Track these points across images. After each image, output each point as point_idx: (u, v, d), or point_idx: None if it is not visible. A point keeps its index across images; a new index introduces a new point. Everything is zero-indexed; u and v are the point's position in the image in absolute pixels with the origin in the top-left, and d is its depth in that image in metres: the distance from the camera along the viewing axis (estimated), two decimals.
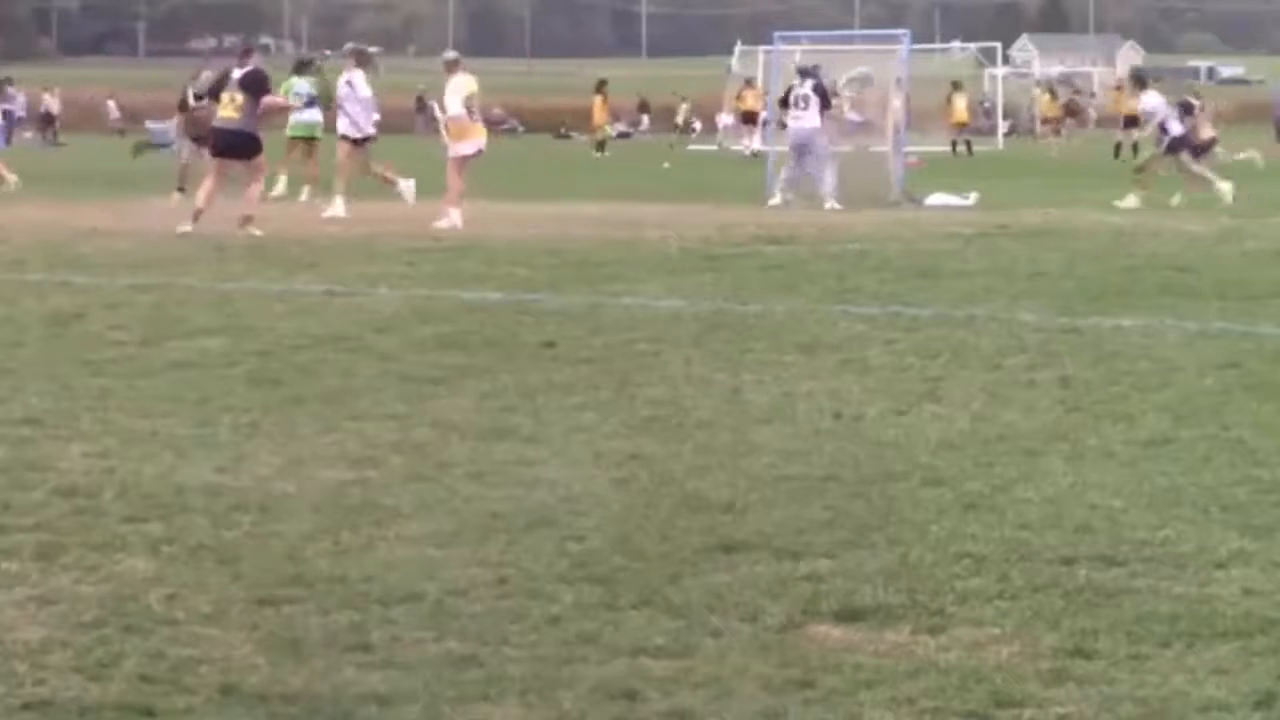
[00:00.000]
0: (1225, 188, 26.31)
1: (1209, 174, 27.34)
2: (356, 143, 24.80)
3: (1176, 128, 27.63)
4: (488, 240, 19.94)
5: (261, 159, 21.34)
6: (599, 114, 54.51)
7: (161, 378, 10.55)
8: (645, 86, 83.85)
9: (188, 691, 5.06)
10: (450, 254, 18.35)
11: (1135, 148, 49.29)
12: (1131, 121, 51.79)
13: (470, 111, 22.77)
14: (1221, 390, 10.12)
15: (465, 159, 22.78)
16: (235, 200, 20.90)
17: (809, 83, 27.42)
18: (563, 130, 76.64)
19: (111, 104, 74.32)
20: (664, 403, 9.74)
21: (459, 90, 22.99)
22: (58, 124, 63.60)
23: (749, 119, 50.60)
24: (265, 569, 6.31)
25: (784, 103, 27.82)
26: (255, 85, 21.22)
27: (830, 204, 26.15)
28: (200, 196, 21.24)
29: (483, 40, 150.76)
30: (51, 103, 64.35)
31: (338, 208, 23.54)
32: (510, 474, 7.90)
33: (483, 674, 5.22)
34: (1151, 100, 28.03)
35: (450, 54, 24.16)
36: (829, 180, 26.71)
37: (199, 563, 6.42)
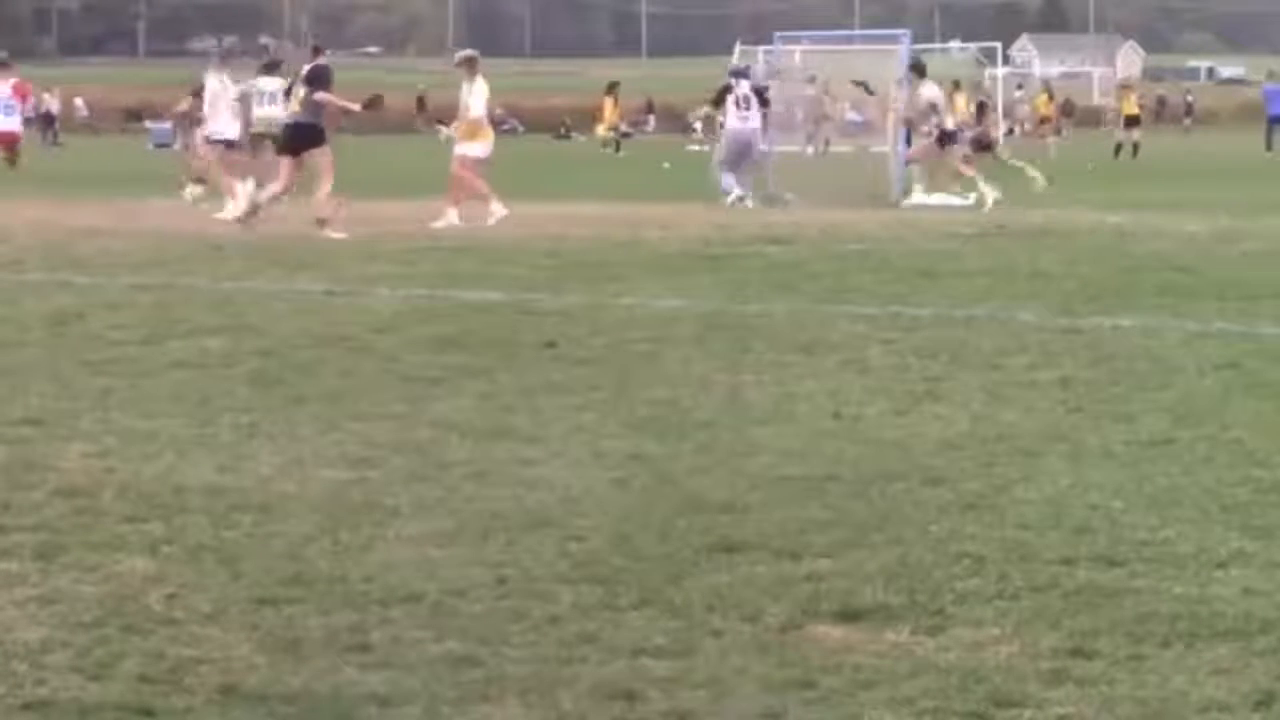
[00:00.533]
0: (1034, 175, 26.28)
1: (1019, 162, 27.36)
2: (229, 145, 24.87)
3: (950, 121, 27.76)
4: (488, 240, 19.94)
5: (327, 158, 21.41)
6: (610, 114, 54.72)
7: (162, 378, 10.55)
8: (645, 87, 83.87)
9: (188, 691, 5.06)
10: (450, 254, 18.36)
11: (1135, 148, 49.57)
12: (1132, 121, 52.13)
13: (490, 114, 23.13)
14: (1221, 390, 10.12)
15: (477, 160, 22.83)
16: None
17: (745, 83, 27.63)
18: (563, 130, 76.64)
19: (79, 101, 74.22)
20: (664, 403, 9.74)
21: (481, 92, 23.09)
22: (58, 124, 63.62)
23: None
24: (265, 569, 6.31)
25: (717, 103, 27.93)
26: (318, 80, 21.81)
27: (748, 203, 26.39)
28: (267, 192, 21.59)
29: (482, 40, 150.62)
30: (51, 103, 64.37)
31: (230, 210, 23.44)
32: (510, 474, 7.90)
33: (482, 674, 5.22)
34: (930, 91, 27.87)
35: (468, 51, 24.10)
36: (749, 180, 27.05)
37: (199, 563, 6.42)
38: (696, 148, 51.15)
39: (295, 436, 8.77)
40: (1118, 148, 50.44)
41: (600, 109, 58.59)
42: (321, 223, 20.50)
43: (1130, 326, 12.70)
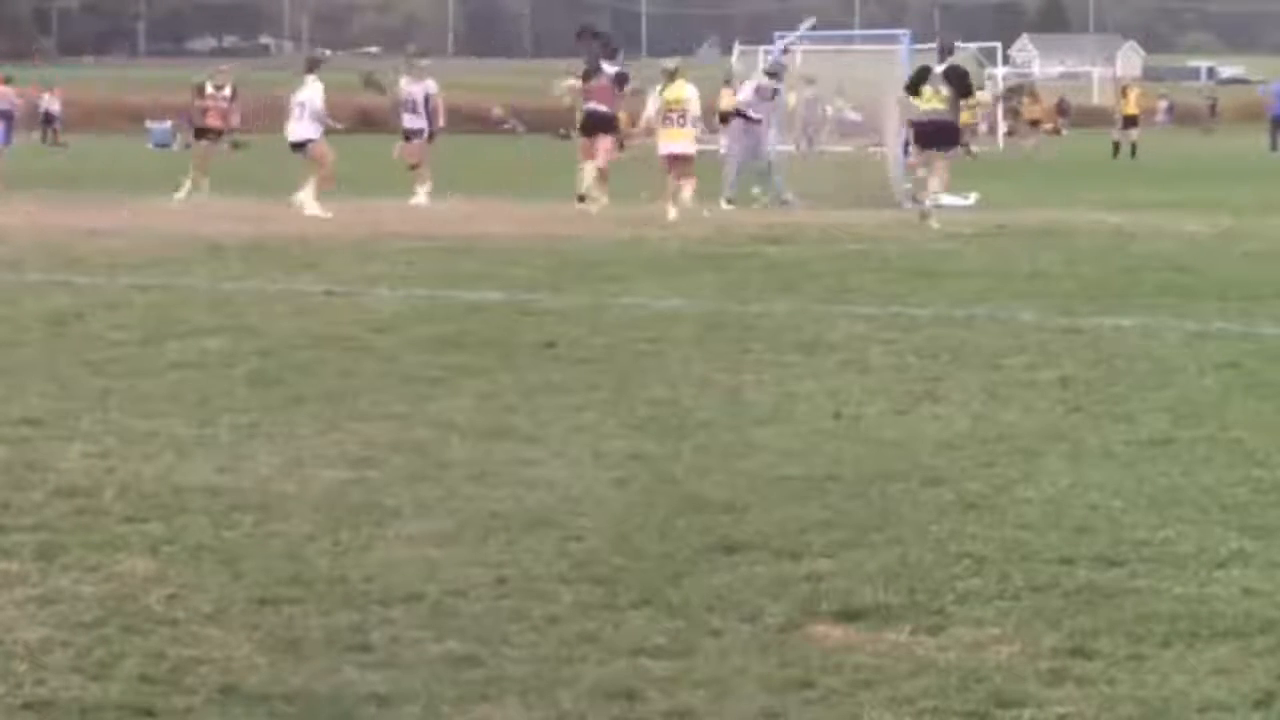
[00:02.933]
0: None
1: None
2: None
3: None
4: (488, 240, 19.95)
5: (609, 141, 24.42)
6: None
7: (162, 378, 10.55)
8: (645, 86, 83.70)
9: (188, 691, 5.06)
10: (450, 254, 18.37)
11: (1134, 148, 49.71)
12: (1130, 121, 52.34)
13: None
14: (1221, 390, 10.12)
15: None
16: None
17: (778, 84, 27.62)
18: (563, 131, 76.55)
19: (46, 97, 74.06)
20: (664, 403, 9.74)
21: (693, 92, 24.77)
22: (58, 124, 63.54)
23: (724, 119, 50.67)
24: (265, 569, 6.31)
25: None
26: (621, 80, 25.14)
27: (726, 203, 26.42)
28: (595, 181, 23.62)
29: (483, 40, 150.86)
30: (52, 103, 64.28)
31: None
32: (510, 474, 7.90)
33: (482, 674, 5.22)
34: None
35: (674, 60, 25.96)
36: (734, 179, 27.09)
37: (199, 563, 6.42)
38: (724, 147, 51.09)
39: (295, 436, 8.77)
40: (1115, 147, 50.55)
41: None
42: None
43: (1130, 326, 12.70)
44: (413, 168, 27.28)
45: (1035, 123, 58.25)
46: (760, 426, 9.08)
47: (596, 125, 25.74)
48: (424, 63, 28.80)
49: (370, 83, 25.22)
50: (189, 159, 29.95)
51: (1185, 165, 43.13)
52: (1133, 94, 55.47)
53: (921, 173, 24.16)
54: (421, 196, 26.40)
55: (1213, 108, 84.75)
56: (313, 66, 26.14)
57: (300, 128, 24.83)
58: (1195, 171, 39.71)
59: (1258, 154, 49.25)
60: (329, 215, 23.05)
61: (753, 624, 5.69)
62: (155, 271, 16.55)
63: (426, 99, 27.50)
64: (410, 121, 27.55)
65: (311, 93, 24.95)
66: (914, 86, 23.73)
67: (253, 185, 28.65)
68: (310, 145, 24.73)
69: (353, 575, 6.22)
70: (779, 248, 19.26)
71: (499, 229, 21.52)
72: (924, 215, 22.57)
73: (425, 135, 27.42)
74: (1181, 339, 12.08)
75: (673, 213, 23.11)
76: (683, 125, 24.57)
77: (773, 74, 28.10)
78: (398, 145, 27.96)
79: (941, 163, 23.64)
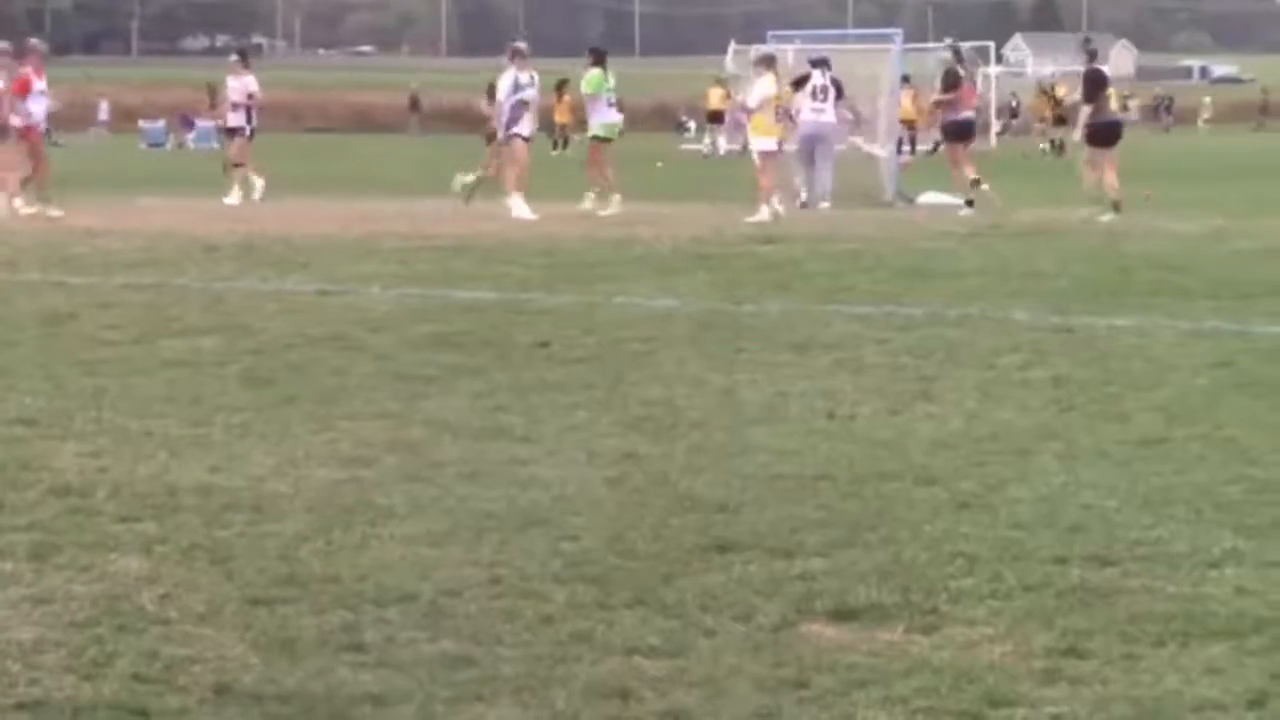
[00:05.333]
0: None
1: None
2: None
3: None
4: (481, 239, 19.94)
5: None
6: (560, 113, 54.83)
7: (155, 377, 10.54)
8: (639, 86, 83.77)
9: (181, 691, 5.06)
10: (444, 253, 18.36)
11: (1062, 145, 51.17)
12: (1060, 120, 54.11)
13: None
14: (1214, 389, 10.13)
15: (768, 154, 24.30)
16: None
17: (827, 74, 27.16)
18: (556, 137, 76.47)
19: (104, 104, 74.11)
20: (657, 402, 9.74)
21: (763, 88, 24.35)
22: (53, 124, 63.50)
23: (714, 118, 50.92)
24: (259, 569, 6.30)
25: (797, 86, 27.01)
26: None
27: (825, 205, 26.16)
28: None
29: (476, 39, 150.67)
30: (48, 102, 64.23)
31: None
32: (504, 473, 7.90)
33: (476, 673, 5.22)
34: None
35: (764, 49, 26.05)
36: (828, 179, 26.74)
37: (192, 562, 6.42)
38: (690, 147, 51.18)
39: (288, 436, 8.77)
40: (1053, 144, 52.28)
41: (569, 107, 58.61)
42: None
43: (1123, 325, 12.71)
44: (235, 166, 27.34)
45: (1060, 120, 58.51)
46: (754, 426, 9.08)
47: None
48: (234, 59, 28.88)
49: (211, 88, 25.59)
50: (184, 158, 29.85)
51: (1179, 165, 43.13)
52: (1061, 91, 56.80)
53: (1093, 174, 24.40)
54: (234, 196, 26.35)
55: (1168, 107, 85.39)
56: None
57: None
58: (1188, 171, 39.74)
59: (1250, 151, 49.30)
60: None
61: (746, 623, 5.70)
62: (149, 271, 16.54)
63: (250, 97, 27.64)
64: (232, 120, 27.68)
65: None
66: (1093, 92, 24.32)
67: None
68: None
69: (346, 575, 6.22)
70: (772, 247, 19.25)
71: (493, 227, 21.49)
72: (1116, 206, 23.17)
73: (247, 134, 27.55)
74: (1175, 338, 12.09)
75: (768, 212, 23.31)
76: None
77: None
78: (235, 144, 27.91)
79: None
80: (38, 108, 24.58)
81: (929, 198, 27.53)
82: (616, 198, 24.72)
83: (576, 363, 11.11)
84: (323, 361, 11.11)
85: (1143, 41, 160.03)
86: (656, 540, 6.71)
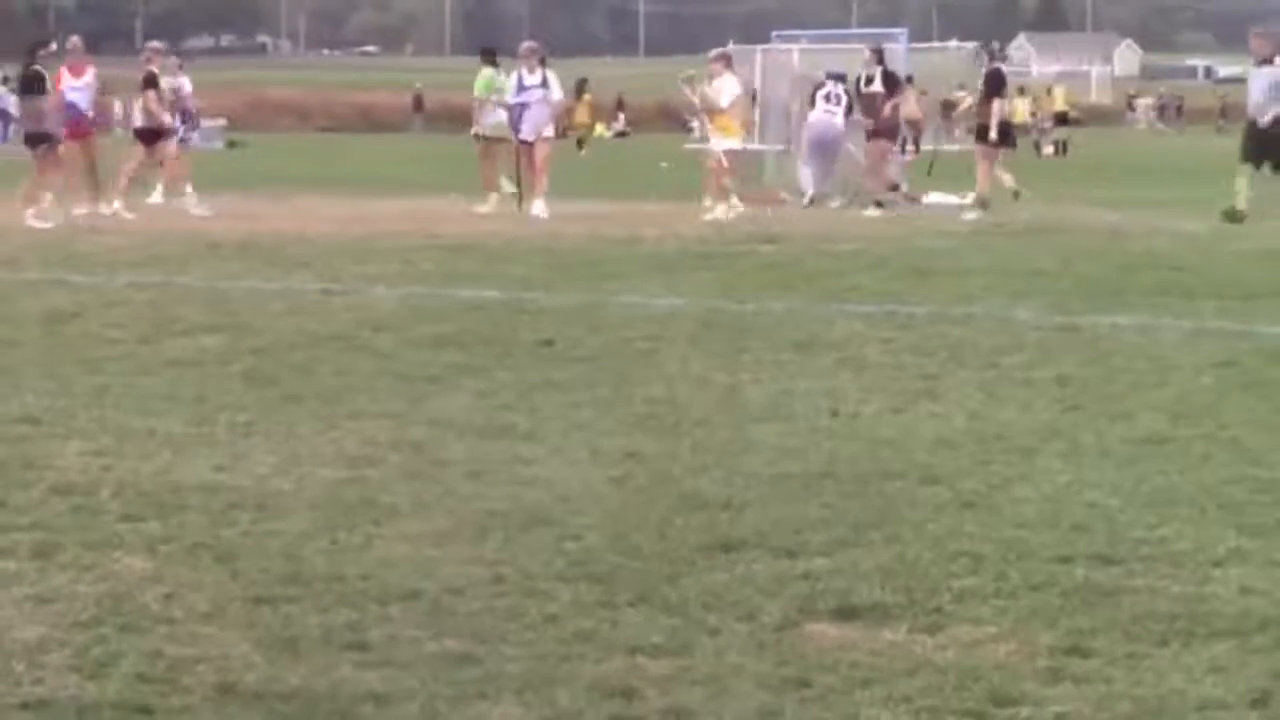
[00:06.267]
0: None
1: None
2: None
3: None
4: (485, 239, 19.94)
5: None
6: (580, 113, 55.24)
7: (159, 376, 10.54)
8: (644, 85, 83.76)
9: (185, 690, 5.06)
10: (448, 252, 18.36)
11: (1065, 146, 51.42)
12: (1061, 119, 54.30)
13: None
14: (1218, 389, 10.12)
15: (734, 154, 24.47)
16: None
17: (840, 85, 27.40)
18: (561, 129, 76.53)
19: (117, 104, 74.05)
20: (661, 401, 9.74)
21: (732, 88, 24.48)
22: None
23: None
24: (263, 567, 6.31)
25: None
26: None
27: (835, 204, 26.28)
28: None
29: (479, 39, 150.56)
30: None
31: None
32: (507, 472, 7.90)
33: (480, 672, 5.22)
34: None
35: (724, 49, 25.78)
36: (838, 178, 26.98)
37: (196, 561, 6.42)
38: (695, 147, 51.16)
39: (292, 435, 8.77)
40: (1054, 146, 52.52)
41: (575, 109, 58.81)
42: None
43: (1127, 325, 12.70)
44: (159, 165, 27.32)
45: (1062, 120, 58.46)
46: (757, 425, 9.08)
47: None
48: (172, 59, 28.88)
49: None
50: (185, 158, 29.81)
51: (1181, 164, 43.10)
52: (1059, 92, 57.17)
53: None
54: (157, 195, 26.29)
55: (1179, 108, 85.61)
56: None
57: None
58: (1192, 170, 39.69)
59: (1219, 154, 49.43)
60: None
61: (750, 622, 5.69)
62: (152, 270, 16.54)
63: (177, 97, 27.64)
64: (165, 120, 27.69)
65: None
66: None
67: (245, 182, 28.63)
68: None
69: (350, 573, 6.22)
70: (775, 246, 19.25)
71: (497, 227, 21.49)
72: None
73: (179, 135, 27.56)
74: (1178, 337, 12.08)
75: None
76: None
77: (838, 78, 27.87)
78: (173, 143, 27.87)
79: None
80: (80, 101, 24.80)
81: (934, 198, 27.51)
82: (494, 197, 24.76)
83: (580, 362, 11.11)
84: (326, 360, 11.11)
85: (1147, 41, 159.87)
86: (660, 539, 6.71)
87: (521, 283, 15.50)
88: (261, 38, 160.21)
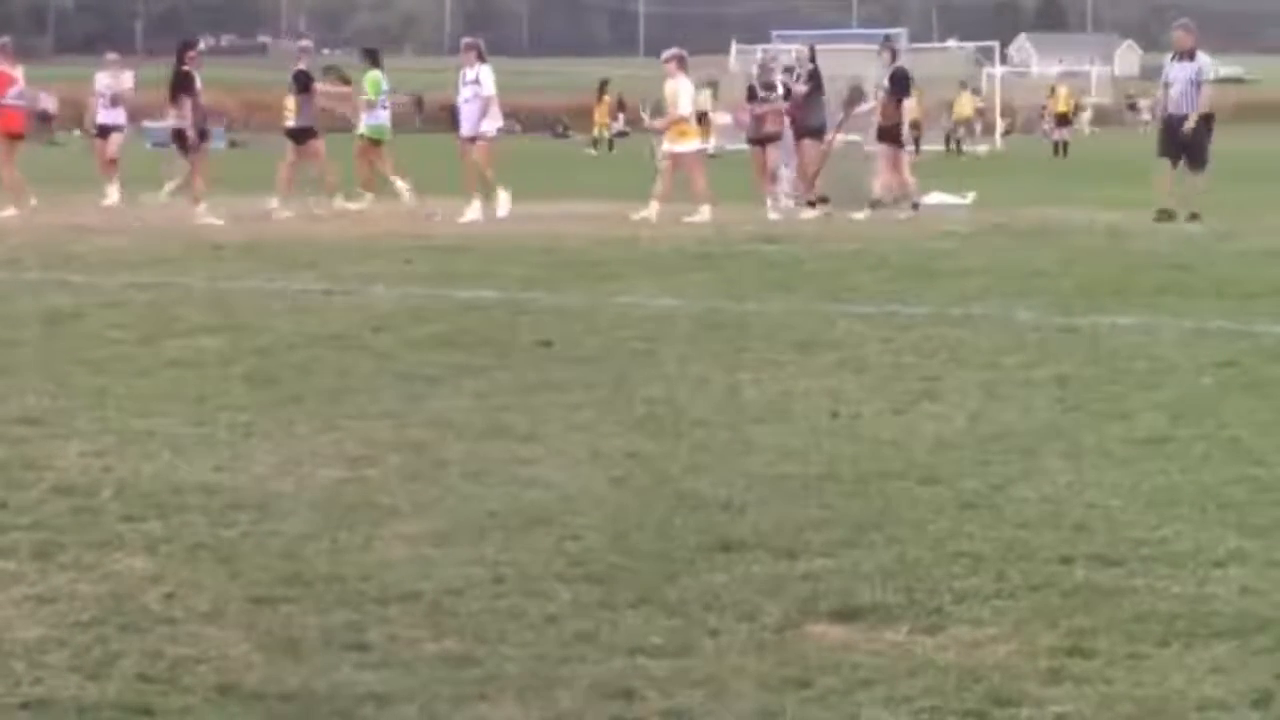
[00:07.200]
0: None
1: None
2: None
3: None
4: (484, 239, 19.94)
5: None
6: (601, 113, 55.44)
7: (159, 376, 10.55)
8: (643, 87, 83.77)
9: (185, 690, 5.06)
10: (447, 253, 18.36)
11: (1065, 146, 51.47)
12: (1063, 120, 54.44)
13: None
14: (1219, 389, 10.12)
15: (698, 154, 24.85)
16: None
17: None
18: (560, 130, 76.59)
19: (43, 96, 73.89)
20: (661, 401, 9.73)
21: (688, 90, 24.99)
22: (54, 123, 63.48)
23: (701, 120, 51.06)
24: (263, 568, 6.30)
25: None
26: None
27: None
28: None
29: (479, 39, 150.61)
30: (49, 102, 64.20)
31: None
32: (507, 473, 7.89)
33: (480, 673, 5.21)
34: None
35: (675, 50, 25.64)
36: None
37: (197, 561, 6.42)
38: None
39: (292, 435, 8.77)
40: (1055, 146, 52.55)
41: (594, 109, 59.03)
42: None
43: (1127, 325, 12.70)
44: (110, 163, 27.39)
45: (961, 123, 58.01)
46: (757, 425, 9.08)
47: None
48: (111, 56, 29.04)
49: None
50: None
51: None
52: (1061, 92, 57.17)
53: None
54: (114, 195, 26.32)
55: (1133, 106, 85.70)
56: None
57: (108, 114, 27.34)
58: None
59: (1252, 152, 49.30)
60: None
61: (750, 623, 5.69)
62: (153, 270, 16.54)
63: (115, 96, 27.75)
64: (106, 117, 27.69)
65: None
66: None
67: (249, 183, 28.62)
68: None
69: (350, 574, 6.22)
70: (775, 246, 19.26)
71: (496, 228, 21.49)
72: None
73: (124, 133, 27.67)
74: (1179, 337, 12.07)
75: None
76: None
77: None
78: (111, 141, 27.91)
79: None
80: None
81: (934, 198, 27.51)
82: (369, 196, 25.05)
83: (579, 362, 11.11)
84: (327, 361, 11.11)
85: (1147, 41, 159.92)
86: (660, 540, 6.70)
87: (521, 283, 15.50)
88: (262, 37, 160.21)
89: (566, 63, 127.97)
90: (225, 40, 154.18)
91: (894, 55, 25.81)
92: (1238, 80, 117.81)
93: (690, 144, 24.74)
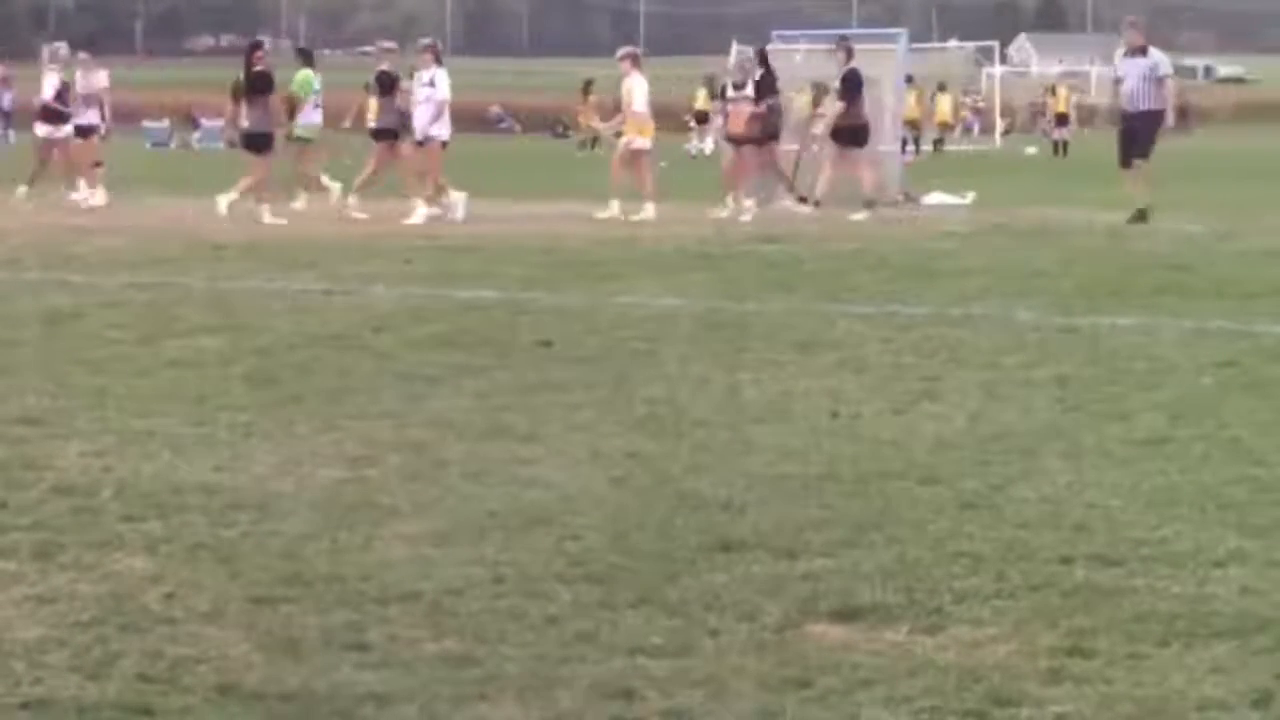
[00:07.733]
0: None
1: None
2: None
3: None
4: (485, 239, 19.94)
5: None
6: (586, 114, 55.41)
7: (159, 376, 10.55)
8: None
9: (185, 690, 5.06)
10: (447, 253, 18.37)
11: (1065, 146, 51.66)
12: (1062, 120, 54.66)
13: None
14: (1219, 389, 10.12)
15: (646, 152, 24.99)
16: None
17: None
18: (560, 129, 76.59)
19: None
20: (661, 401, 9.73)
21: (643, 86, 25.13)
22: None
23: (701, 119, 51.23)
24: (263, 568, 6.30)
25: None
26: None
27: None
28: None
29: (480, 38, 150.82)
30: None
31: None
32: (507, 473, 7.89)
33: (480, 673, 5.21)
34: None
35: (630, 48, 26.21)
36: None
37: (197, 561, 6.42)
38: (694, 146, 51.16)
39: (292, 435, 8.77)
40: (1055, 146, 52.74)
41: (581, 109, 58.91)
42: None
43: (1127, 325, 12.70)
44: (95, 165, 27.29)
45: (911, 124, 57.80)
46: (757, 425, 9.08)
47: None
48: (83, 56, 28.86)
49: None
50: (188, 158, 29.83)
51: (1182, 165, 43.12)
52: (1062, 92, 57.27)
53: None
54: (99, 197, 26.20)
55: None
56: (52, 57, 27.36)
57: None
58: (1192, 170, 39.73)
59: (1252, 152, 49.33)
60: None
61: (750, 623, 5.69)
62: (153, 270, 16.54)
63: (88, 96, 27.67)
64: (83, 118, 27.53)
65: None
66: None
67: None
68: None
69: (350, 574, 6.22)
70: (775, 246, 19.26)
71: (496, 228, 21.49)
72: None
73: (101, 132, 27.60)
74: (1179, 337, 12.08)
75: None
76: None
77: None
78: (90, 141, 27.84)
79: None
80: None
81: (934, 198, 27.52)
82: (305, 196, 25.14)
83: (579, 362, 11.11)
84: (327, 361, 11.11)
85: (1147, 41, 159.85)
86: (660, 539, 6.70)
87: (520, 283, 15.50)
88: (262, 37, 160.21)
89: (567, 62, 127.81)
90: (225, 40, 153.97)
91: (849, 55, 25.75)
92: (1238, 80, 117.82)
93: (644, 141, 24.88)
